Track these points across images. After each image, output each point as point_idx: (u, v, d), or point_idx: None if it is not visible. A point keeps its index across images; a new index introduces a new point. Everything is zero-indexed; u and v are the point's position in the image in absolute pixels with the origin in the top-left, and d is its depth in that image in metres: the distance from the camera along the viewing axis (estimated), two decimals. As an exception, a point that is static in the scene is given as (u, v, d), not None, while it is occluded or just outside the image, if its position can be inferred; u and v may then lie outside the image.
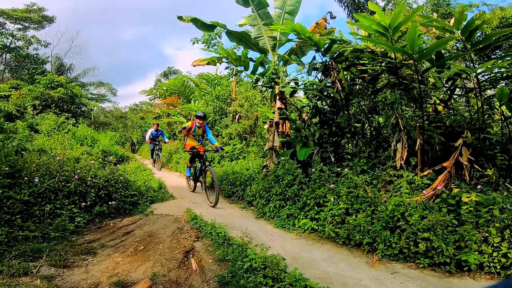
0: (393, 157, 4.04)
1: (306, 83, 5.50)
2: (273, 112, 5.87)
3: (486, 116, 4.08)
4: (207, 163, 5.73)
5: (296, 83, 5.62)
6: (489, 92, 5.00)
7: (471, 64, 4.06)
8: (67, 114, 16.66)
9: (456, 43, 4.61)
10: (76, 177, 4.46)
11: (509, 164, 3.58)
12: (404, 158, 3.88)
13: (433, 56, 3.75)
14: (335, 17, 7.40)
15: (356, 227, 3.40)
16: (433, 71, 4.08)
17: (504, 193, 3.20)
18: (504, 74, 4.01)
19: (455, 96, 4.81)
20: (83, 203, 4.29)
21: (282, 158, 4.96)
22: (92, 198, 4.43)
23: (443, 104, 4.61)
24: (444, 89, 4.55)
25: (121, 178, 5.14)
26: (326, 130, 5.21)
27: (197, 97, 13.93)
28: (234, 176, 6.24)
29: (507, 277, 2.51)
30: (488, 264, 2.63)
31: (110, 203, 4.60)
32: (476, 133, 3.78)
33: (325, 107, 5.55)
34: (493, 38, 3.58)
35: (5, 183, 3.69)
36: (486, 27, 6.07)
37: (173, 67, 36.30)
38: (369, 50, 4.49)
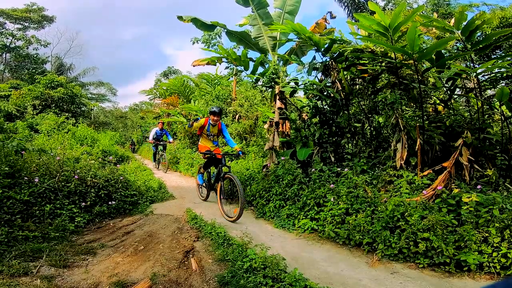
0: (393, 157, 4.04)
1: (306, 83, 5.50)
2: (273, 112, 5.87)
3: (486, 116, 4.08)
4: (225, 169, 4.73)
5: (296, 83, 5.62)
6: (489, 92, 5.00)
7: (471, 64, 4.05)
8: (67, 114, 16.68)
9: (456, 43, 4.60)
10: (76, 177, 4.46)
11: (509, 164, 3.58)
12: (404, 158, 3.88)
13: (433, 56, 3.75)
14: (335, 17, 7.40)
15: (356, 227, 3.40)
16: (433, 71, 4.08)
17: (504, 193, 3.20)
18: (504, 74, 4.01)
19: (455, 96, 4.81)
20: (83, 203, 4.29)
21: (282, 158, 4.96)
22: (92, 198, 4.43)
23: (443, 104, 4.61)
24: (444, 89, 4.55)
25: (121, 178, 5.14)
26: (326, 130, 5.21)
27: (197, 97, 13.93)
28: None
29: (507, 277, 2.51)
30: (488, 264, 2.63)
31: (110, 203, 4.60)
32: (476, 133, 3.78)
33: (325, 107, 5.55)
34: (493, 38, 3.57)
35: (5, 183, 3.69)
36: (486, 27, 6.07)
37: (173, 67, 36.37)
38: (369, 50, 4.49)
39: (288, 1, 7.25)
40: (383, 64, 4.40)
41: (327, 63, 5.21)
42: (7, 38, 24.11)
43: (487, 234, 2.73)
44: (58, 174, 4.32)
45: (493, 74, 4.08)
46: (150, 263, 2.97)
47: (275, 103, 5.66)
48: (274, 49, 7.11)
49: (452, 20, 3.80)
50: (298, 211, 4.19)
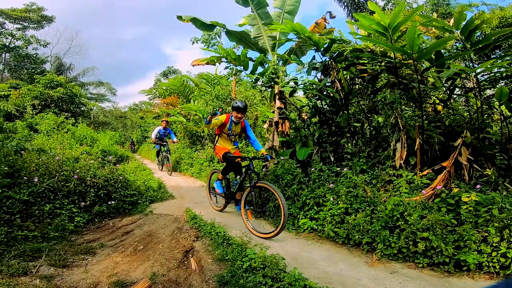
0: (393, 156, 4.04)
1: (306, 83, 5.49)
2: (273, 112, 5.87)
3: (486, 115, 4.08)
4: (254, 176, 4.01)
5: (296, 83, 5.62)
6: (489, 92, 5.00)
7: (471, 64, 4.06)
8: (66, 114, 16.69)
9: (455, 42, 4.61)
10: (75, 176, 4.46)
11: (508, 164, 3.58)
12: (404, 158, 3.88)
13: (432, 55, 3.75)
14: (334, 17, 7.40)
15: (355, 226, 3.40)
16: (433, 70, 4.08)
17: (503, 193, 3.20)
18: (504, 74, 4.01)
19: (454, 96, 4.82)
20: (83, 203, 4.29)
21: (282, 157, 4.96)
22: (92, 197, 4.43)
23: (442, 104, 4.61)
24: (444, 88, 4.56)
25: (121, 177, 5.13)
26: (325, 129, 5.21)
27: (197, 96, 13.93)
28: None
29: (507, 277, 2.52)
30: (487, 264, 2.63)
31: (109, 202, 4.60)
32: (475, 133, 3.78)
33: (324, 107, 5.55)
34: (493, 38, 3.57)
35: (5, 183, 3.69)
36: (486, 27, 6.08)
37: (172, 66, 36.41)
38: (369, 49, 4.49)
39: (287, 0, 7.26)
40: (383, 63, 4.40)
41: (326, 62, 5.21)
42: (7, 38, 24.10)
43: (486, 234, 2.74)
44: (57, 174, 4.32)
45: (493, 74, 4.08)
46: (149, 262, 2.97)
47: (275, 103, 5.66)
48: (273, 48, 7.11)
49: (452, 20, 3.80)
50: (298, 211, 4.19)
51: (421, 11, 4.84)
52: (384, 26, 3.67)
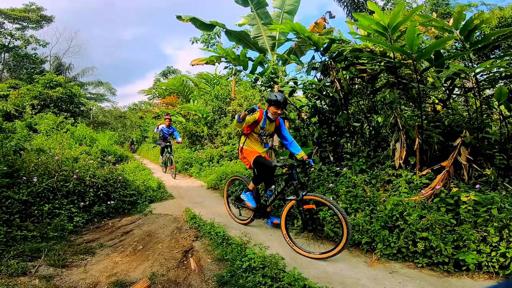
0: (392, 156, 4.04)
1: (305, 83, 5.49)
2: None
3: (485, 115, 4.09)
4: (300, 187, 3.33)
5: (295, 83, 5.62)
6: (488, 92, 5.01)
7: (470, 64, 4.06)
8: (65, 114, 16.67)
9: (455, 42, 4.61)
10: (74, 176, 4.45)
11: (507, 164, 3.58)
12: (403, 158, 3.88)
13: (432, 55, 3.75)
14: (334, 17, 7.41)
15: (354, 226, 3.40)
16: (432, 70, 4.08)
17: (502, 193, 3.21)
18: (503, 74, 4.01)
19: (454, 96, 4.82)
20: (82, 203, 4.28)
21: (281, 157, 4.96)
22: (91, 197, 4.43)
23: (442, 104, 4.61)
24: (443, 88, 4.56)
25: (120, 177, 5.13)
26: (325, 129, 5.21)
27: (196, 96, 13.94)
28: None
29: (506, 276, 2.52)
30: (487, 264, 2.63)
31: (109, 202, 4.60)
32: (474, 133, 3.78)
33: (324, 107, 5.55)
34: (492, 38, 3.58)
35: (4, 183, 3.69)
36: (485, 26, 6.08)
37: (172, 66, 36.37)
38: (368, 49, 4.48)
39: (287, 0, 7.26)
40: (382, 63, 4.40)
41: (326, 62, 5.21)
42: (6, 38, 24.05)
43: (485, 234, 2.74)
44: (56, 174, 4.31)
45: (492, 74, 4.08)
46: (149, 262, 2.96)
47: (274, 103, 5.65)
48: (273, 48, 7.11)
49: (451, 20, 3.80)
50: (297, 211, 4.19)
51: (421, 11, 4.85)
52: (383, 26, 3.67)
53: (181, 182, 7.97)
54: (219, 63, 6.54)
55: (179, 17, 7.00)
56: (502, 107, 3.77)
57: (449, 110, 4.47)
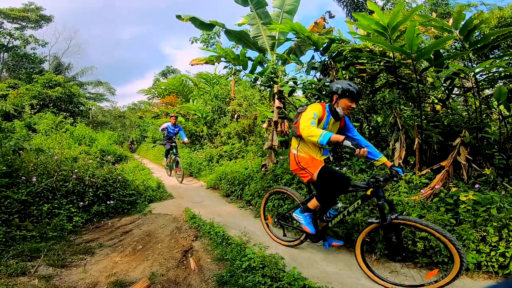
0: (392, 156, 4.05)
1: (305, 82, 5.49)
2: (272, 111, 5.87)
3: (484, 115, 4.09)
4: (387, 207, 2.58)
5: (295, 82, 5.62)
6: (487, 92, 5.01)
7: (469, 64, 4.06)
8: (65, 114, 16.66)
9: (454, 42, 4.62)
10: (74, 176, 4.45)
11: (507, 163, 3.58)
12: (403, 157, 3.88)
13: (431, 55, 3.75)
14: (334, 17, 7.40)
15: (354, 226, 3.40)
16: (432, 70, 4.08)
17: (502, 192, 3.21)
18: (502, 74, 4.02)
19: (453, 96, 4.82)
20: (81, 203, 4.28)
21: (281, 157, 4.96)
22: (90, 197, 4.42)
23: (441, 104, 4.61)
24: (443, 88, 4.56)
25: (119, 177, 5.13)
26: (324, 129, 5.21)
27: (196, 96, 13.94)
28: (232, 175, 6.23)
29: (506, 276, 2.52)
30: (486, 264, 2.64)
31: (108, 202, 4.59)
32: (474, 133, 3.79)
33: (323, 107, 5.54)
34: (491, 38, 3.58)
35: (3, 183, 3.68)
36: (485, 26, 6.08)
37: (171, 66, 36.27)
38: (368, 49, 4.49)
39: (287, 0, 7.25)
40: (382, 63, 4.40)
41: (325, 62, 5.21)
42: (5, 38, 23.99)
43: (485, 233, 2.74)
44: (56, 174, 4.31)
45: (491, 74, 4.09)
46: (148, 262, 2.96)
47: (274, 103, 5.66)
48: (272, 48, 7.10)
49: (451, 20, 3.80)
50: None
51: (420, 11, 4.85)
52: (383, 26, 3.67)
53: (179, 182, 7.96)
54: (218, 63, 6.54)
55: (178, 17, 7.00)
56: (501, 107, 3.77)
57: (449, 110, 4.47)
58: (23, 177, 3.97)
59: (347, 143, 2.38)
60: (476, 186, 3.28)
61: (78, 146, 10.07)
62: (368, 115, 5.08)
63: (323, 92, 5.27)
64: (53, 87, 17.83)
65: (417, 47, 3.56)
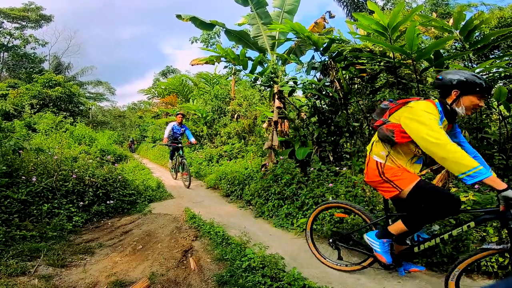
0: (392, 156, 4.04)
1: (305, 82, 5.49)
2: (272, 111, 5.87)
3: (484, 115, 4.09)
4: None
5: (295, 82, 5.62)
6: (487, 92, 5.01)
7: (470, 64, 4.07)
8: (65, 113, 16.66)
9: (454, 42, 4.62)
10: (74, 176, 4.45)
11: (506, 164, 3.59)
12: (403, 158, 3.88)
13: (431, 55, 3.75)
14: (334, 17, 7.40)
15: (354, 226, 3.40)
16: (432, 70, 4.08)
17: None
18: (502, 74, 4.02)
19: (453, 96, 4.81)
20: (81, 203, 4.28)
21: (281, 157, 4.97)
22: (90, 197, 4.42)
23: (441, 104, 4.61)
24: (443, 88, 4.56)
25: (119, 177, 5.13)
26: (324, 129, 5.21)
27: (196, 96, 13.94)
28: (232, 175, 6.24)
29: (505, 276, 2.52)
30: (486, 264, 2.64)
31: (108, 202, 4.59)
32: (474, 133, 3.79)
33: (323, 107, 5.55)
34: (492, 38, 3.58)
35: (3, 182, 3.68)
36: (485, 27, 6.09)
37: (171, 66, 36.27)
38: (368, 49, 4.49)
39: (287, 0, 7.25)
40: (382, 63, 4.41)
41: (325, 62, 5.21)
42: (5, 37, 23.98)
43: (484, 234, 2.74)
44: (56, 173, 4.31)
45: (491, 74, 4.09)
46: (148, 262, 2.96)
47: (274, 103, 5.66)
48: (273, 48, 7.10)
49: (451, 20, 3.81)
50: (297, 210, 4.19)
51: (420, 11, 4.85)
52: (383, 26, 3.68)
53: (180, 182, 7.96)
54: (218, 63, 6.54)
55: (179, 16, 6.99)
56: (501, 107, 3.78)
57: (449, 110, 4.47)
58: (23, 177, 3.97)
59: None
60: (476, 186, 3.28)
61: (78, 146, 10.07)
62: (368, 115, 5.08)
63: (323, 92, 5.27)
64: (53, 87, 17.83)
65: (417, 47, 3.56)
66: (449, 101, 2.12)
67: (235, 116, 10.35)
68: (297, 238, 3.79)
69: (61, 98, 18.10)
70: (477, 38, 4.27)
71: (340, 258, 2.93)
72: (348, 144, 5.10)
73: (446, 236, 2.23)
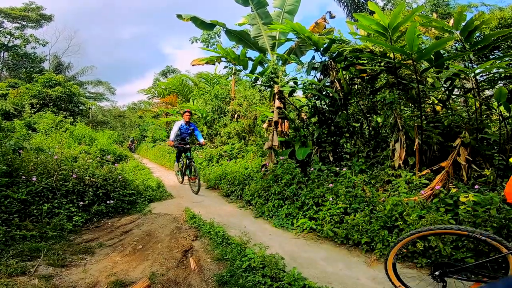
0: (392, 156, 4.05)
1: (305, 83, 5.49)
2: (272, 112, 5.87)
3: (484, 116, 4.10)
4: None
5: (295, 83, 5.62)
6: (487, 93, 5.02)
7: (470, 64, 4.07)
8: (65, 113, 16.64)
9: (455, 43, 4.62)
10: (74, 176, 4.45)
11: (506, 164, 3.59)
12: (403, 158, 3.89)
13: (432, 56, 3.76)
14: (334, 17, 7.41)
15: (354, 226, 3.41)
16: (432, 71, 4.08)
17: (501, 193, 3.21)
18: (502, 75, 4.02)
19: (453, 96, 4.82)
20: (81, 202, 4.27)
21: (281, 157, 4.97)
22: (90, 197, 4.42)
23: (441, 104, 4.62)
24: (443, 89, 4.56)
25: (119, 177, 5.12)
26: (325, 129, 5.22)
27: (196, 96, 13.95)
28: (232, 175, 6.24)
29: (506, 276, 2.52)
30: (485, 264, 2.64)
31: (108, 202, 4.59)
32: (474, 133, 3.79)
33: (324, 107, 5.56)
34: (492, 39, 3.58)
35: (3, 182, 3.68)
36: (485, 27, 6.09)
37: (171, 66, 36.24)
38: (368, 50, 4.49)
39: (287, 0, 7.25)
40: (382, 64, 4.41)
41: (326, 62, 5.22)
42: (5, 37, 23.98)
43: None
44: (56, 173, 4.30)
45: (491, 75, 4.09)
46: (148, 262, 2.96)
47: (274, 103, 5.66)
48: (273, 48, 7.10)
49: (451, 21, 3.80)
50: (297, 211, 4.19)
51: (421, 12, 4.85)
52: (383, 26, 3.68)
53: (179, 182, 7.96)
54: (219, 63, 6.54)
55: (179, 16, 6.99)
56: (501, 107, 3.77)
57: (449, 111, 4.48)
58: (23, 177, 3.97)
59: None
60: (476, 186, 3.29)
61: (78, 146, 10.07)
62: (368, 115, 5.08)
63: (323, 93, 5.27)
64: (53, 87, 17.83)
65: (417, 47, 3.56)
66: None
67: (235, 116, 10.36)
68: (297, 238, 3.79)
69: (61, 97, 18.10)
70: (477, 38, 4.27)
71: None
72: (348, 144, 5.11)
73: None
